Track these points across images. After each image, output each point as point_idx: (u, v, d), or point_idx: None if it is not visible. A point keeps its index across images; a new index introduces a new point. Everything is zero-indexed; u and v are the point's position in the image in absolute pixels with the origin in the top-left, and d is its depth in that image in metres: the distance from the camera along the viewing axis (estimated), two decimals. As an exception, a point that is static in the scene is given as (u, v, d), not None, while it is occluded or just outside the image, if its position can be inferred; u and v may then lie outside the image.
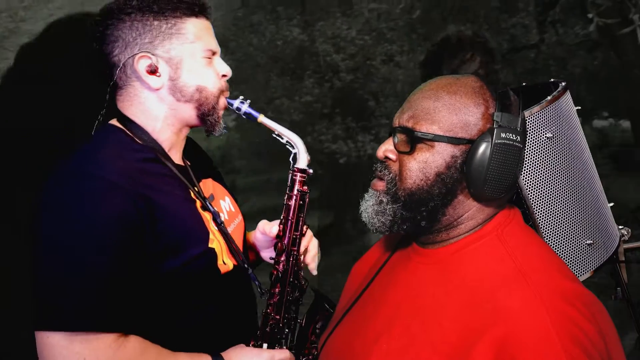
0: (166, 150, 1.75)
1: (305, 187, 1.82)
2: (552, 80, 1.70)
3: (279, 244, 1.81)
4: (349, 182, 3.87)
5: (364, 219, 1.62)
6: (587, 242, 1.67)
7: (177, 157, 1.79)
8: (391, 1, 4.18)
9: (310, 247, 1.90)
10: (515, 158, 1.50)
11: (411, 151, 1.53)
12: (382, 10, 4.19)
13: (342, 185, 3.90)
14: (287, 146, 1.83)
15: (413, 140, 1.53)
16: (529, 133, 1.60)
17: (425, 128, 1.53)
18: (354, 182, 3.97)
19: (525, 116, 1.57)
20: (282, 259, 1.80)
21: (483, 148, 1.48)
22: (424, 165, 1.52)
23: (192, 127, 1.79)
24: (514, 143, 1.49)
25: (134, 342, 1.58)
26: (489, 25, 4.13)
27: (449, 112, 1.52)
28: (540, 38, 4.16)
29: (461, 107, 1.52)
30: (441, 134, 1.51)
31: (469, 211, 1.56)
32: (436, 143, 1.52)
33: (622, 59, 4.27)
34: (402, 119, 1.57)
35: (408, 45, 4.16)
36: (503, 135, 1.48)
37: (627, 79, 4.44)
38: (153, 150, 1.71)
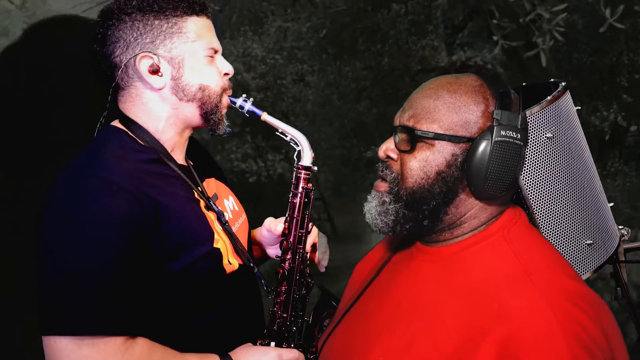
0: (169, 150, 1.73)
1: (309, 185, 1.80)
2: (552, 80, 1.72)
3: (285, 242, 1.79)
4: (258, 201, 3.83)
5: (367, 220, 1.60)
6: (587, 242, 1.67)
7: (180, 157, 1.77)
8: (299, 20, 4.17)
9: (318, 243, 1.88)
10: (515, 156, 1.51)
11: (411, 150, 1.53)
12: (292, 29, 4.17)
13: (252, 205, 3.88)
14: (291, 143, 1.81)
15: (413, 139, 1.52)
16: (529, 133, 1.60)
17: (426, 127, 1.52)
18: (264, 201, 3.93)
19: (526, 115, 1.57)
20: (288, 257, 1.78)
21: (483, 146, 1.48)
22: (425, 163, 1.51)
23: (195, 127, 1.77)
24: (515, 141, 1.50)
25: (142, 345, 1.55)
26: (398, 47, 4.19)
27: (449, 110, 1.52)
28: (449, 60, 4.26)
29: (461, 105, 1.52)
30: (441, 132, 1.51)
31: (471, 210, 1.55)
32: (436, 142, 1.51)
33: (529, 82, 4.42)
34: (402, 118, 1.57)
35: (319, 65, 4.16)
36: (503, 133, 1.49)
37: (534, 102, 4.63)
38: (155, 151, 1.69)
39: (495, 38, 4.16)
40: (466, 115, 1.51)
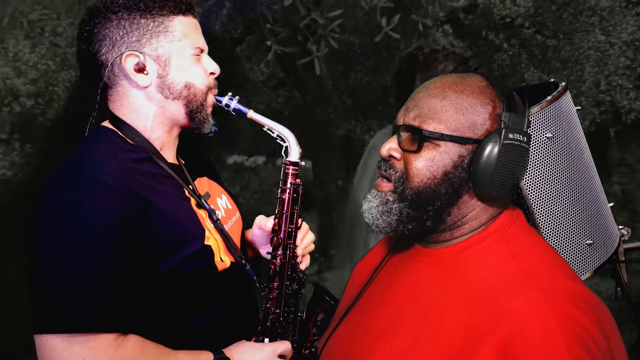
0: (158, 149, 1.73)
1: (298, 180, 1.81)
2: (551, 80, 1.72)
3: (275, 238, 1.80)
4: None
5: (367, 220, 1.57)
6: (587, 242, 1.66)
7: (170, 156, 1.77)
8: (72, 25, 4.12)
9: (305, 240, 1.86)
10: (521, 158, 1.50)
11: (418, 150, 1.50)
12: (64, 34, 4.14)
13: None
14: (278, 140, 1.82)
15: (420, 139, 1.50)
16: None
17: (433, 127, 1.50)
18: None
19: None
20: (279, 252, 1.79)
21: (490, 148, 1.47)
22: (431, 163, 1.50)
23: (182, 126, 1.77)
24: (521, 144, 1.49)
25: (134, 341, 1.56)
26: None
27: (456, 111, 1.50)
28: (227, 75, 4.25)
29: (468, 106, 1.51)
30: (448, 133, 1.49)
31: (472, 211, 1.54)
32: (442, 142, 1.49)
33: (305, 99, 4.32)
34: (407, 117, 1.54)
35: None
36: (511, 136, 1.48)
37: (310, 118, 4.49)
38: (145, 150, 1.69)
39: (268, 43, 3.99)
40: (473, 117, 1.50)
